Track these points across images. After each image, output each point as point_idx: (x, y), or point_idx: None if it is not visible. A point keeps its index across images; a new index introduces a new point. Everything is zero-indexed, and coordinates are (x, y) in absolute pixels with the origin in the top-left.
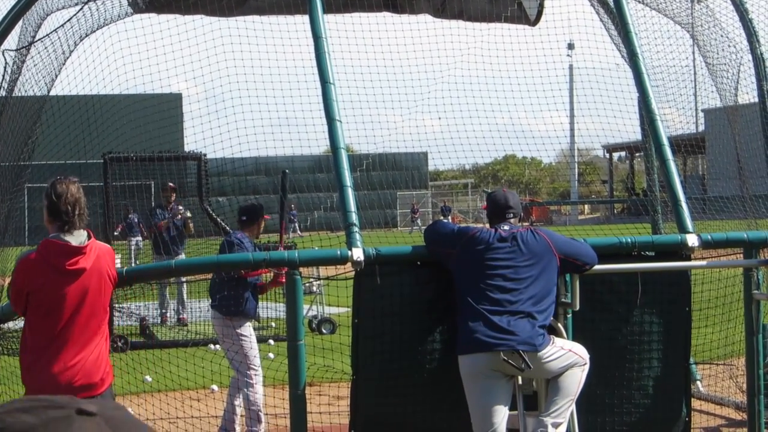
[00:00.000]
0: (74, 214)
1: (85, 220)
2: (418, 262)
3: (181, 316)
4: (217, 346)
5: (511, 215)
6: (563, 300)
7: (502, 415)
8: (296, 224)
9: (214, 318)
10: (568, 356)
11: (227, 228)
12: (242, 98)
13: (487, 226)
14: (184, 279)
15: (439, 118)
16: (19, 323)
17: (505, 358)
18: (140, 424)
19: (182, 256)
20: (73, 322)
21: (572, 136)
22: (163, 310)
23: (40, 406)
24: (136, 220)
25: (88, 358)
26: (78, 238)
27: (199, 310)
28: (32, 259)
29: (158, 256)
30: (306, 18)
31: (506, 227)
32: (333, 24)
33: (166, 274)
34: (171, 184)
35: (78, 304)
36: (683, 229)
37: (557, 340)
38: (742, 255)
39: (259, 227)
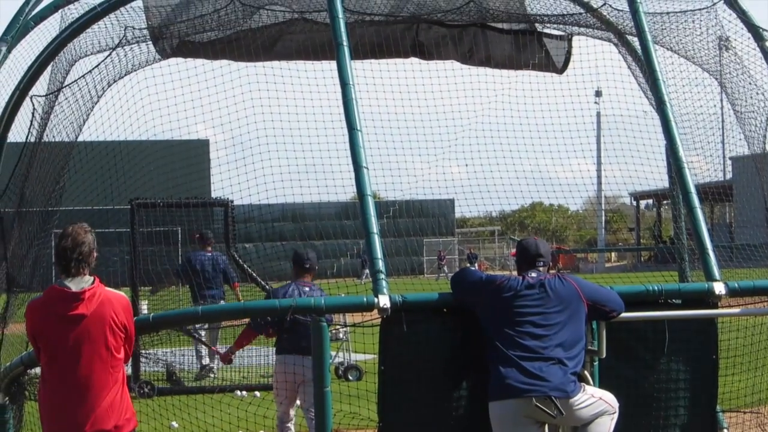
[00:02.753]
0: (72, 259)
1: (88, 266)
2: (445, 309)
3: (210, 365)
4: (244, 393)
5: (541, 264)
6: (590, 347)
7: None
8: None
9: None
10: (598, 404)
11: (254, 274)
12: (269, 144)
13: (515, 273)
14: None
15: (466, 165)
16: None
17: (538, 404)
18: None
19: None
20: (77, 368)
21: (599, 183)
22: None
23: None
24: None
25: (100, 405)
26: (79, 284)
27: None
28: (36, 304)
29: (197, 303)
30: (333, 64)
31: (534, 274)
32: (360, 70)
33: (192, 320)
34: (209, 234)
35: (79, 350)
36: (710, 277)
37: (588, 387)
38: None
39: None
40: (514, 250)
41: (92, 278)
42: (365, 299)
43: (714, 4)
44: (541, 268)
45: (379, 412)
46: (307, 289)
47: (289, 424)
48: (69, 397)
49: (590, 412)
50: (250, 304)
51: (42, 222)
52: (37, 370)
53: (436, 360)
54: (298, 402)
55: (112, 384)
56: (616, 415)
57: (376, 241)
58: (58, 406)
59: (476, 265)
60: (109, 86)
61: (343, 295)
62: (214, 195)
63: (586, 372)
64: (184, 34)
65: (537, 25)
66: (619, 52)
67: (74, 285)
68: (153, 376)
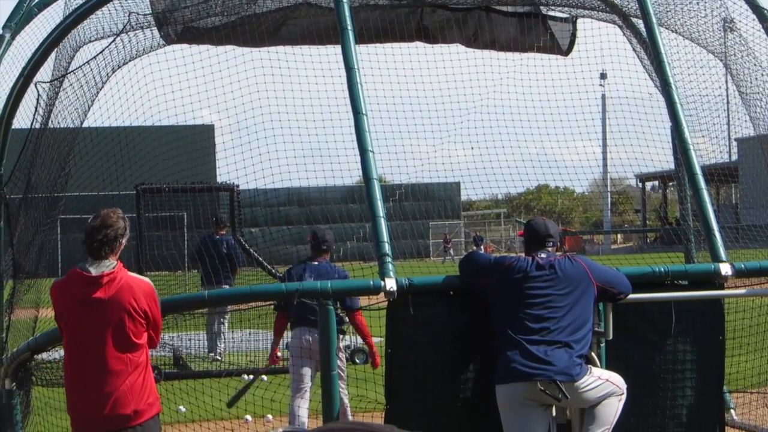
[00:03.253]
0: (96, 240)
1: (112, 251)
2: (451, 292)
3: (219, 352)
4: (251, 377)
5: (551, 244)
6: (597, 329)
7: None
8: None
9: None
10: (605, 386)
11: (260, 258)
12: (274, 129)
13: (523, 254)
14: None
15: (472, 148)
16: (52, 354)
17: (542, 388)
18: None
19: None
20: (94, 352)
21: (605, 165)
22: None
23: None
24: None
25: (118, 389)
26: (99, 268)
27: (232, 340)
28: (57, 285)
29: (208, 286)
30: (338, 48)
31: (543, 255)
32: (365, 54)
33: (198, 304)
34: (223, 217)
35: (96, 334)
36: (716, 258)
37: (595, 369)
38: None
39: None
40: (520, 231)
41: (115, 263)
42: (372, 282)
43: None
44: (550, 249)
45: (386, 395)
46: (314, 264)
47: (303, 408)
48: (87, 380)
49: (597, 394)
50: (256, 289)
51: (48, 208)
52: (44, 355)
53: (442, 342)
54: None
55: (132, 369)
56: (624, 397)
57: (383, 224)
58: (77, 389)
59: (482, 247)
60: (113, 72)
61: (349, 278)
62: (219, 180)
63: (593, 354)
64: (189, 19)
65: (542, 7)
66: (624, 34)
67: (94, 269)
68: (160, 361)
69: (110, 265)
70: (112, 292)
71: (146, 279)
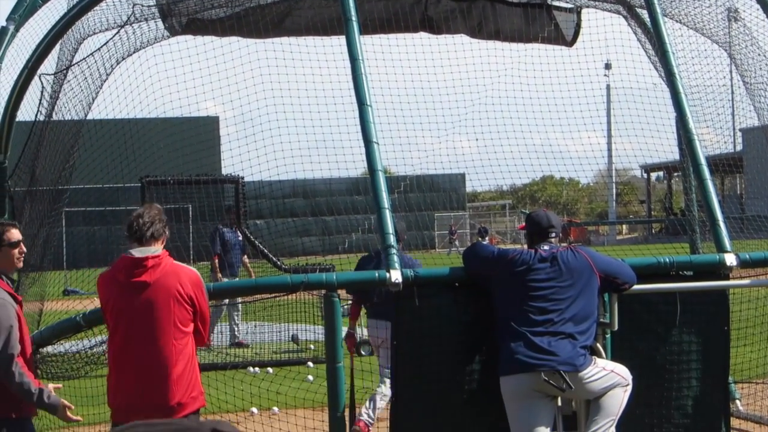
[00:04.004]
0: (142, 224)
1: (156, 237)
2: (457, 284)
3: (238, 339)
4: (257, 369)
5: (554, 235)
6: (602, 320)
7: None
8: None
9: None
10: (610, 377)
11: (265, 250)
12: (279, 121)
13: (526, 247)
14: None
15: (477, 139)
16: (57, 348)
17: (546, 378)
18: None
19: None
20: (140, 338)
21: (610, 156)
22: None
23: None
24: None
25: (164, 379)
26: (144, 252)
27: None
28: (103, 275)
29: (231, 277)
30: (342, 39)
31: (546, 247)
32: (370, 45)
33: None
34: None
35: (143, 319)
36: (721, 249)
37: (599, 360)
38: None
39: None
40: (521, 224)
41: (161, 249)
42: (377, 274)
43: None
44: (553, 240)
45: (392, 387)
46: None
47: (381, 395)
48: (132, 367)
49: (602, 385)
50: (261, 281)
51: (52, 201)
52: (49, 348)
53: (448, 334)
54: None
55: (179, 358)
56: (629, 388)
57: (388, 216)
58: (122, 377)
59: (487, 239)
60: (117, 64)
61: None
62: (224, 172)
63: (598, 345)
64: (193, 11)
65: None
66: (629, 24)
67: (139, 253)
68: None
69: (156, 250)
70: (158, 276)
71: (193, 268)
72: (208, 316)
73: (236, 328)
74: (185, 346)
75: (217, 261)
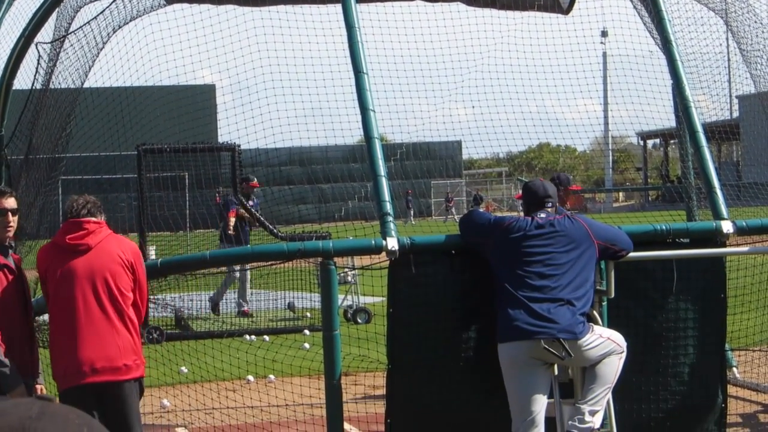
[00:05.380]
0: (76, 208)
1: (95, 213)
2: (453, 251)
3: (243, 309)
4: (253, 337)
5: (550, 204)
6: (598, 287)
7: (541, 403)
8: (413, 210)
9: None
10: (606, 344)
11: (261, 218)
12: (275, 89)
13: (522, 215)
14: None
15: (473, 107)
16: None
17: (546, 346)
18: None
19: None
20: (83, 301)
21: (606, 123)
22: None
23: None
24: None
25: (108, 341)
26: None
27: (233, 301)
28: (43, 247)
29: (228, 244)
30: (339, 8)
31: (543, 215)
32: (366, 14)
33: (200, 265)
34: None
35: (85, 283)
36: (718, 216)
37: (596, 328)
38: None
39: None
40: (518, 193)
41: (101, 219)
42: (373, 242)
43: None
44: (549, 209)
45: (389, 355)
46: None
47: None
48: (75, 331)
49: (598, 353)
50: (258, 248)
51: (49, 169)
52: (45, 317)
53: (444, 301)
54: None
55: (120, 323)
56: (624, 355)
57: (384, 183)
58: (64, 342)
59: (483, 206)
60: (114, 32)
61: (351, 238)
62: (221, 140)
63: (594, 312)
64: None
65: None
66: None
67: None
68: (161, 322)
69: (97, 220)
70: (99, 240)
71: (130, 242)
72: (146, 292)
73: (245, 298)
74: (128, 311)
75: (232, 218)
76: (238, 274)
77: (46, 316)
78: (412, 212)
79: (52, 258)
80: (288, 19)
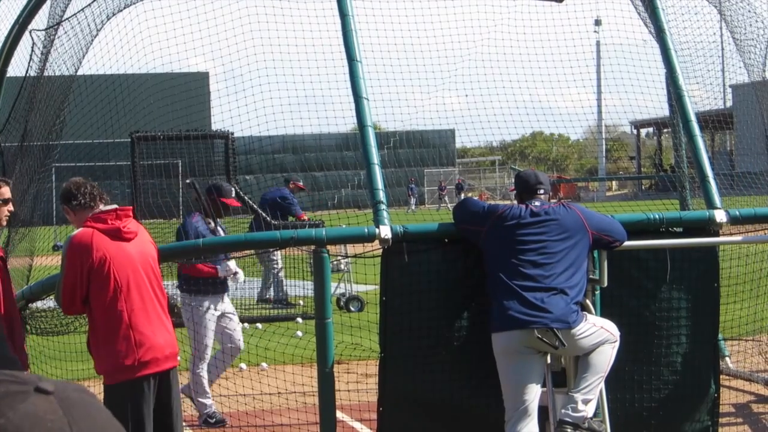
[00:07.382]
0: (88, 192)
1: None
2: (446, 240)
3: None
4: (246, 325)
5: (542, 191)
6: (591, 276)
7: (535, 392)
8: (415, 198)
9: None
10: (599, 333)
11: (255, 206)
12: (269, 76)
13: (516, 203)
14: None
15: (466, 95)
16: (47, 302)
17: (539, 335)
18: (99, 408)
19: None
20: (150, 288)
21: (599, 112)
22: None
23: (2, 380)
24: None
25: (170, 328)
26: (109, 205)
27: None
28: (87, 233)
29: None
30: None
31: (537, 203)
32: (359, 1)
33: (193, 252)
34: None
35: (141, 269)
36: (711, 205)
37: (589, 317)
38: None
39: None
40: (513, 186)
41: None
42: (366, 230)
43: None
44: (542, 196)
45: (381, 343)
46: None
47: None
48: (152, 320)
49: (592, 342)
50: (251, 236)
51: (43, 156)
52: (39, 304)
53: (437, 290)
54: None
55: (165, 308)
56: (617, 344)
57: (377, 171)
58: (145, 333)
59: (462, 194)
60: (108, 19)
61: (343, 226)
62: (214, 127)
63: (587, 301)
64: None
65: None
66: None
67: (111, 207)
68: None
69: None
70: (135, 226)
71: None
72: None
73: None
74: (165, 294)
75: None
76: (280, 264)
77: (39, 303)
78: (413, 200)
79: (107, 245)
80: (282, 7)
